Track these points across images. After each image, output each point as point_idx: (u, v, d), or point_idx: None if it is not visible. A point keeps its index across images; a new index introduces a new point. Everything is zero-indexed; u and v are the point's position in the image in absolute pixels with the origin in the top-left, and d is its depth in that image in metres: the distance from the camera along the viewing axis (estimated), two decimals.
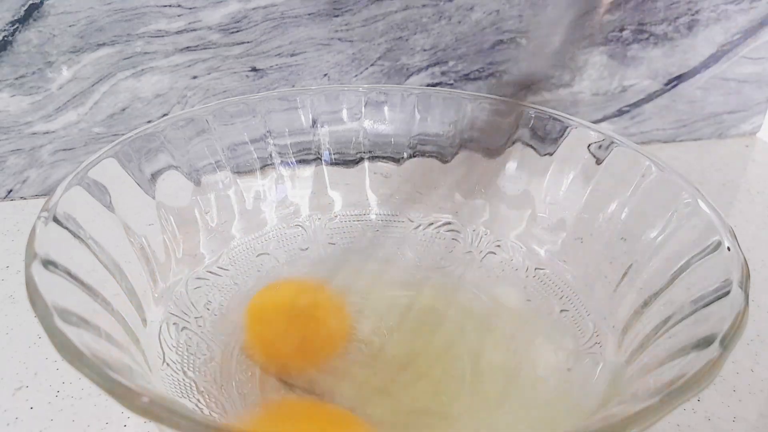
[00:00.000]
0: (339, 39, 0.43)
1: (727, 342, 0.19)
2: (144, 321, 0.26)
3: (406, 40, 0.44)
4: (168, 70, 0.41)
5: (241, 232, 0.34)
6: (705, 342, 0.20)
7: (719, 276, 0.22)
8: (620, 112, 0.50)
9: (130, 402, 0.17)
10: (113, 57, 0.40)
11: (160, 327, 0.27)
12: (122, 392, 0.17)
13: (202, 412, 0.24)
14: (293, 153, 0.36)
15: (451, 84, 0.46)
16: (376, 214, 0.37)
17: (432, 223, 0.37)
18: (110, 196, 0.27)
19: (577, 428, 0.17)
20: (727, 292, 0.21)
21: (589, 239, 0.32)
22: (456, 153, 0.36)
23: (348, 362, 0.28)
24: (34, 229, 0.22)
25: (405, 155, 0.37)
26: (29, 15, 0.38)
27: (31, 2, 0.37)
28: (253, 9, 0.40)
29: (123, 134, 0.29)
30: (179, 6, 0.39)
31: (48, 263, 0.21)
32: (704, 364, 0.18)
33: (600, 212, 0.31)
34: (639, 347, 0.24)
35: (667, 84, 0.49)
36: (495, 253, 0.34)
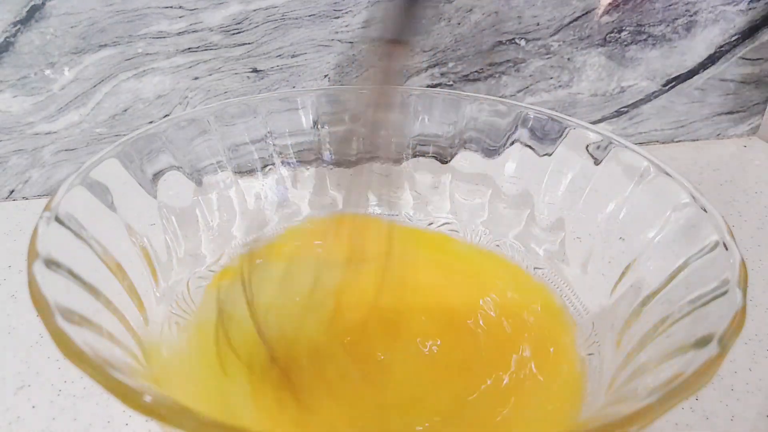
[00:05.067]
0: (339, 40, 0.43)
1: (725, 341, 0.19)
2: (146, 320, 0.26)
3: None
4: (169, 71, 0.41)
5: (242, 232, 0.35)
6: (703, 341, 0.20)
7: (717, 275, 0.22)
8: (618, 113, 0.50)
9: (131, 401, 0.17)
10: (115, 58, 0.40)
11: (162, 326, 0.27)
12: (124, 391, 0.17)
13: None
14: (294, 153, 0.37)
15: (451, 85, 0.46)
16: (377, 214, 0.37)
17: (432, 223, 0.37)
18: (112, 197, 0.27)
19: (578, 427, 0.17)
20: (725, 292, 0.21)
21: (588, 239, 0.32)
22: (455, 153, 0.36)
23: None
24: (36, 229, 0.22)
25: (405, 155, 0.37)
26: (31, 16, 0.38)
27: (33, 3, 0.37)
28: (254, 10, 0.41)
29: (125, 135, 0.29)
30: (181, 7, 0.39)
31: (50, 263, 0.21)
32: (702, 363, 0.18)
33: (598, 212, 0.31)
34: (637, 346, 0.24)
35: (665, 85, 0.49)
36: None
